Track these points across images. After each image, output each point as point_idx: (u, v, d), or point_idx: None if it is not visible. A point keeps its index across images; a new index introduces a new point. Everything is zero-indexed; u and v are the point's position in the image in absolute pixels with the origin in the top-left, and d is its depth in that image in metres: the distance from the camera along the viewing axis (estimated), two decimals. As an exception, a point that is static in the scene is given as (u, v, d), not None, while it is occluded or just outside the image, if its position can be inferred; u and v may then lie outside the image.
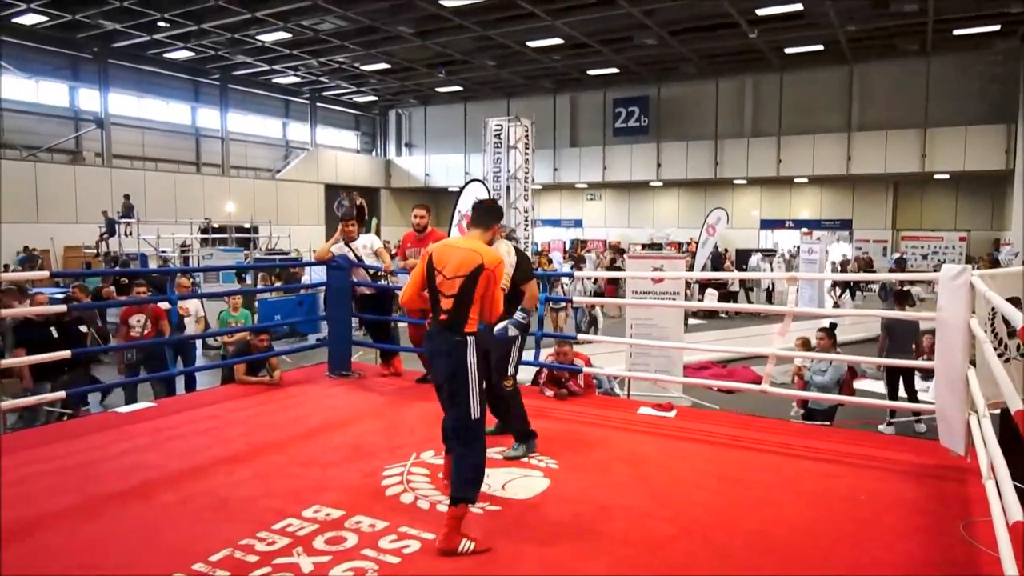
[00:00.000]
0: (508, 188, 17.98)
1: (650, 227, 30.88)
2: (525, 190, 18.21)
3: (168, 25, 21.43)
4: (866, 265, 21.09)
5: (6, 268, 17.89)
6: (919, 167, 24.31)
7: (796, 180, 28.17)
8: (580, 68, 27.17)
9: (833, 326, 7.01)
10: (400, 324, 7.36)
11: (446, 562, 3.01)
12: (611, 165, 30.06)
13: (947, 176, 25.00)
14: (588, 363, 5.74)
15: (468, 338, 3.30)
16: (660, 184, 30.53)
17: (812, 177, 27.38)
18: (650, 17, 20.15)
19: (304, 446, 4.59)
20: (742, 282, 18.79)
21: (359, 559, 3.02)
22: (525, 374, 6.76)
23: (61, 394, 5.42)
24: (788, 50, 23.87)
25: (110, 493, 3.73)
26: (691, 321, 15.27)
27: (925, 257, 26.19)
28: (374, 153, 37.32)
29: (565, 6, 19.40)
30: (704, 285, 17.28)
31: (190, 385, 8.28)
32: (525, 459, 4.26)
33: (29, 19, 21.22)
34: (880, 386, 9.21)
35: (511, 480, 3.92)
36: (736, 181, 28.86)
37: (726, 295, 17.99)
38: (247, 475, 4.03)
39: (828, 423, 6.02)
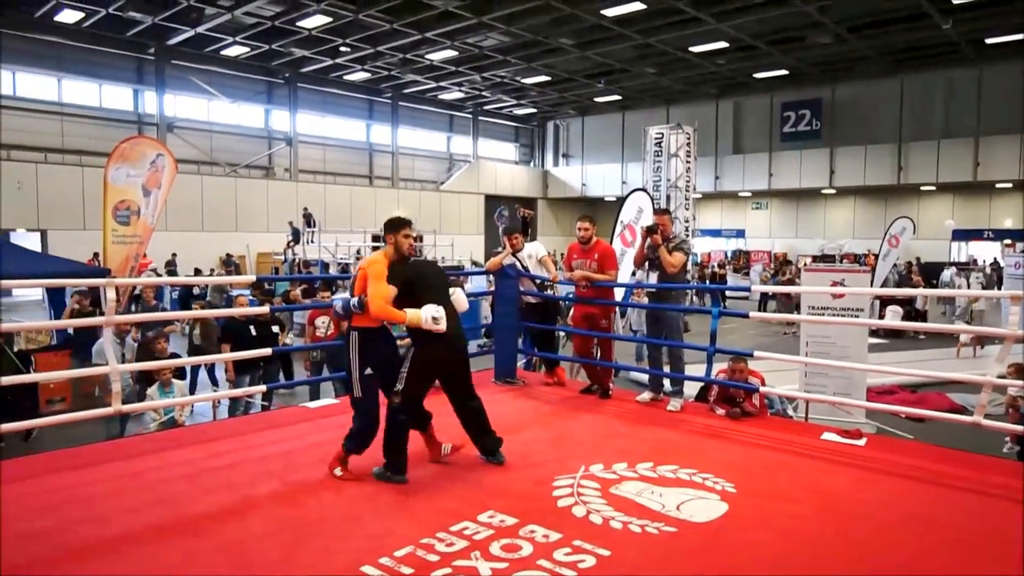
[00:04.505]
0: (668, 197, 17.59)
1: (821, 238, 28.89)
2: (686, 199, 17.73)
3: (349, 49, 23.26)
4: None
5: (198, 272, 20.16)
6: None
7: (998, 185, 25.12)
8: (745, 71, 26.07)
9: (1056, 352, 6.12)
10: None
11: (624, 582, 2.94)
12: (778, 172, 28.52)
13: None
14: (764, 382, 5.43)
15: (351, 333, 4.12)
16: (833, 191, 28.50)
17: (1017, 181, 24.27)
18: (825, 14, 18.93)
19: (474, 450, 4.69)
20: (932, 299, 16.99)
21: (535, 569, 3.02)
22: (691, 389, 6.55)
23: (263, 387, 5.98)
24: (989, 40, 21.40)
25: (306, 482, 4.04)
26: (871, 340, 14.04)
27: None
28: (532, 164, 38.08)
29: (731, 8, 18.71)
30: (885, 302, 15.83)
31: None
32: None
33: (234, 51, 23.98)
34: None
35: (686, 501, 3.77)
36: (923, 187, 26.27)
37: (910, 313, 16.36)
38: (424, 474, 4.19)
39: (1051, 464, 5.23)
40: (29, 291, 18.30)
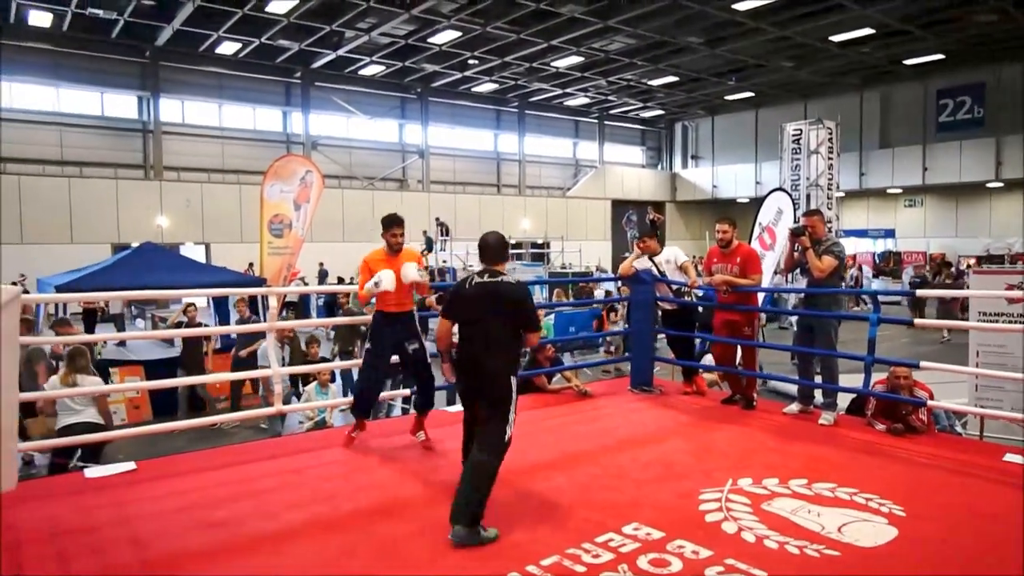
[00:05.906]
0: (808, 196, 16.64)
1: (986, 237, 26.17)
2: (828, 198, 16.70)
3: (477, 62, 23.88)
4: None
5: (340, 281, 21.28)
6: None
7: None
8: (894, 58, 24.19)
9: None
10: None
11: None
12: (933, 166, 26.17)
13: None
14: (932, 396, 4.96)
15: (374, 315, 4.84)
16: (1000, 185, 25.77)
17: None
18: (989, -11, 17.20)
19: (614, 459, 4.63)
20: None
21: (686, 586, 2.93)
22: (843, 401, 6.11)
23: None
24: None
25: (450, 484, 4.06)
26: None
27: None
28: (659, 167, 37.32)
29: (879, -9, 17.45)
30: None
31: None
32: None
33: (370, 70, 25.31)
34: None
35: (848, 523, 3.50)
36: (1114, 176, 23.19)
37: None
38: (564, 483, 4.17)
39: None
40: (196, 298, 20.16)
